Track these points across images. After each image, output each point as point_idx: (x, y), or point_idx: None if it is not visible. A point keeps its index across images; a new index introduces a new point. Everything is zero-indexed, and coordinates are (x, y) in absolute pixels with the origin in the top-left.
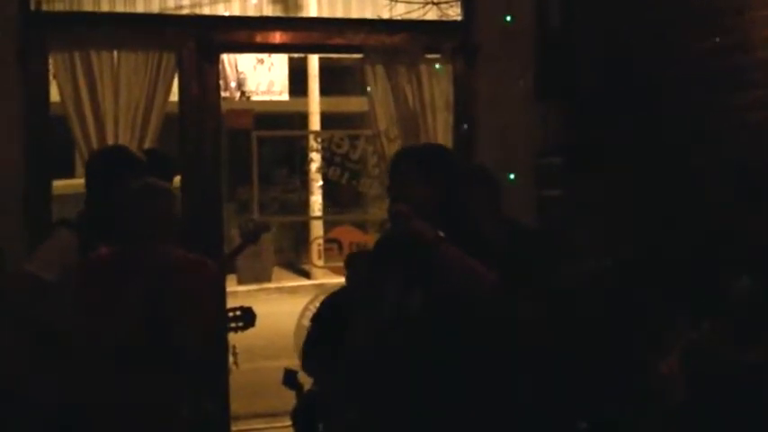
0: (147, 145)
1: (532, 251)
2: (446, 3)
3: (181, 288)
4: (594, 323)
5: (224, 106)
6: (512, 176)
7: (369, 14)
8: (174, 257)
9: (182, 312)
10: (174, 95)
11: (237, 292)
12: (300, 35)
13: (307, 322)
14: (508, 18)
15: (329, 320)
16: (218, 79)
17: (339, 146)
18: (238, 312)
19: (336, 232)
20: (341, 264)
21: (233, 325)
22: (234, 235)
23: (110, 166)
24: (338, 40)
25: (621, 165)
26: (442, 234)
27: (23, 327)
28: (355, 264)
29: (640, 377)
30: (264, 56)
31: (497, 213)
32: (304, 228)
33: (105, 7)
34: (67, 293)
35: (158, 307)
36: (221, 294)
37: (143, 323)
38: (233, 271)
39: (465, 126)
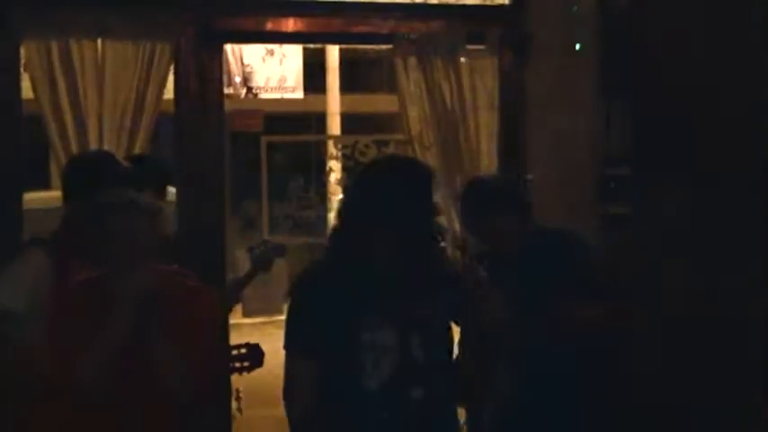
0: (137, 150)
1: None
2: None
3: (172, 322)
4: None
5: (228, 105)
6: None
7: None
8: (167, 284)
9: (172, 351)
10: (170, 92)
11: (242, 325)
12: (318, 22)
13: None
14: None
15: None
16: (220, 73)
17: (364, 153)
18: (243, 350)
19: None
20: None
21: (238, 365)
22: (240, 258)
23: (92, 175)
24: (363, 28)
25: (702, 176)
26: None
27: None
28: None
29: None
30: (275, 47)
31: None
32: (322, 250)
33: None
34: (38, 326)
35: (144, 344)
36: (224, 329)
37: (125, 362)
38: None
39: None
